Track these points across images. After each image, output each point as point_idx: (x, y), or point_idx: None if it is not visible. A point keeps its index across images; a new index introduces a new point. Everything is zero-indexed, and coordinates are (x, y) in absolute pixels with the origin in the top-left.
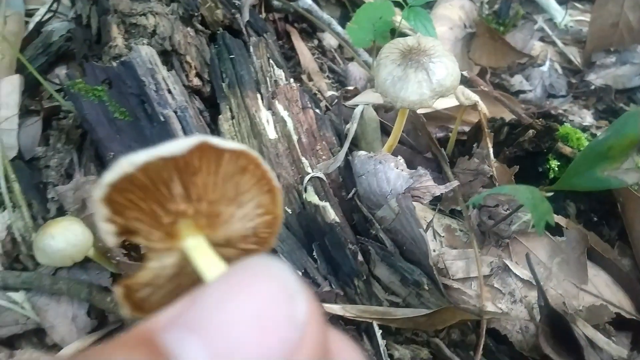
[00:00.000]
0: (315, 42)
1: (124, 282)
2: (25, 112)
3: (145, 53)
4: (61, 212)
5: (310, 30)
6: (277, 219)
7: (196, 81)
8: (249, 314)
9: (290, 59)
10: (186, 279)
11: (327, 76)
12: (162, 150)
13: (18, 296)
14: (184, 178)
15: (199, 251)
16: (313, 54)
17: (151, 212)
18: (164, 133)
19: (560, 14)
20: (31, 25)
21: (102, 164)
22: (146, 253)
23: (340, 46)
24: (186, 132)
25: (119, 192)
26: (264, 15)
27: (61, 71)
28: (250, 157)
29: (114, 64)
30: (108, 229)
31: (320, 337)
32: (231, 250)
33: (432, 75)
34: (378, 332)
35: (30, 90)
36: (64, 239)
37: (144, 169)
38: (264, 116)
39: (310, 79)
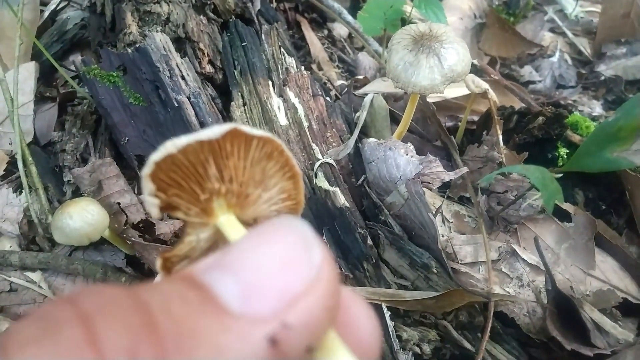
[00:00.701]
0: (325, 32)
1: (163, 255)
2: (40, 99)
3: (160, 40)
4: (76, 195)
5: (320, 20)
6: (299, 204)
7: (209, 68)
8: (273, 257)
9: (300, 49)
10: None
11: (337, 66)
12: (200, 134)
13: (35, 276)
14: (218, 161)
15: (231, 226)
16: (323, 44)
17: (190, 189)
18: (178, 118)
19: (570, 5)
20: (46, 14)
21: (116, 149)
22: (184, 228)
23: (350, 36)
24: (199, 117)
25: (163, 171)
26: (274, 4)
27: (76, 58)
28: (275, 144)
29: (129, 50)
30: (153, 202)
31: (332, 279)
32: None
33: (443, 60)
34: (387, 314)
35: (45, 77)
36: (81, 218)
37: (184, 150)
38: (275, 103)
39: (320, 69)
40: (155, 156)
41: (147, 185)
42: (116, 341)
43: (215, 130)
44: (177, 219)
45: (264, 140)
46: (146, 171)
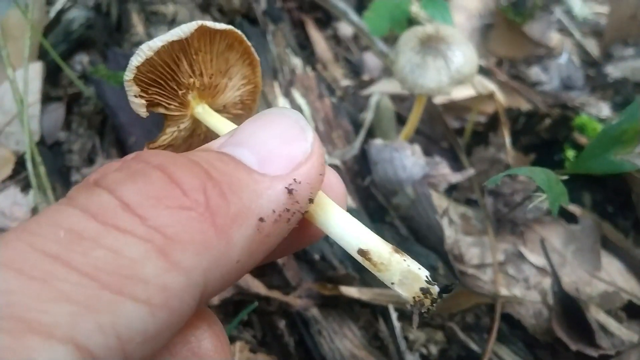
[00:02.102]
0: (330, 32)
1: (149, 145)
2: (46, 99)
3: None
4: None
5: (325, 20)
6: (257, 87)
7: None
8: (277, 135)
9: (304, 49)
10: (196, 140)
11: (342, 66)
12: (171, 35)
13: None
14: (188, 57)
15: (206, 114)
16: (328, 44)
17: (168, 87)
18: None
19: (578, 6)
20: (52, 14)
21: (122, 149)
22: (166, 121)
23: (355, 36)
24: None
25: (143, 73)
26: (280, 4)
27: (82, 58)
28: (236, 35)
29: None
30: (140, 102)
31: (321, 152)
32: (225, 114)
33: (450, 62)
34: (394, 315)
35: (50, 77)
36: None
37: (158, 52)
38: (282, 103)
39: (325, 69)
40: (135, 61)
41: (132, 88)
42: (191, 183)
43: (184, 29)
44: (159, 114)
45: (226, 32)
46: (129, 76)
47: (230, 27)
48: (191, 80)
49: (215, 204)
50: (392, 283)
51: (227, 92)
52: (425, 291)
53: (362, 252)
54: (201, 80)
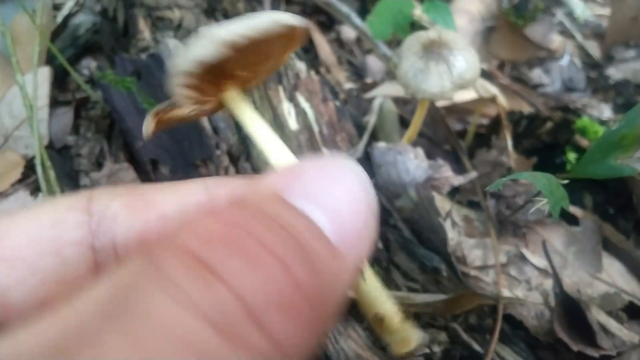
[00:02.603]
0: (333, 35)
1: (159, 116)
2: (54, 103)
3: (173, 46)
4: None
5: (328, 23)
6: (279, 67)
7: None
8: (347, 200)
9: (308, 52)
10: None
11: (346, 69)
12: (251, 29)
13: None
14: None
15: (236, 103)
16: (331, 47)
17: (213, 79)
18: (191, 124)
19: (579, 8)
20: (59, 19)
21: (130, 153)
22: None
23: (358, 39)
24: (212, 122)
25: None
26: (283, 8)
27: (89, 63)
28: (307, 31)
29: (143, 56)
30: (186, 93)
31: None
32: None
33: (452, 67)
34: None
35: (57, 81)
36: None
37: (231, 45)
38: (286, 108)
39: (329, 72)
40: (204, 55)
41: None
42: (284, 253)
43: (286, 20)
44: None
45: (288, 37)
46: (193, 66)
47: (306, 22)
48: (238, 72)
49: (313, 299)
50: (388, 342)
51: (259, 79)
52: (409, 353)
53: (377, 316)
54: (247, 72)
